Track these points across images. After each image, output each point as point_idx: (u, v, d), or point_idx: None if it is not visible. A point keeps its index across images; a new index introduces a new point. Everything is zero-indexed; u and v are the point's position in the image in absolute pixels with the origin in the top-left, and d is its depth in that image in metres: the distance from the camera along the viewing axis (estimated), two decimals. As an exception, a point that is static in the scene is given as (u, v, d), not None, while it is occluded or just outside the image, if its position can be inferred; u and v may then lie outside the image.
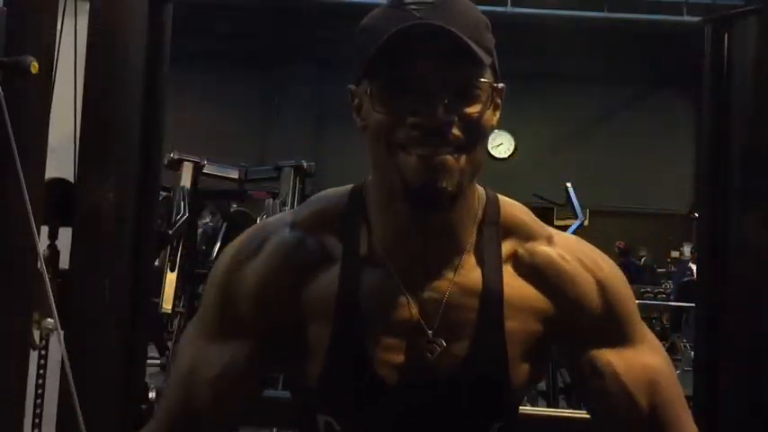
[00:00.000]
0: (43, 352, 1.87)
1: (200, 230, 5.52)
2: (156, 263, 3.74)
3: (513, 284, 1.05)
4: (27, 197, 1.27)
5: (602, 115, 12.34)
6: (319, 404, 1.07)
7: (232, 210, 5.68)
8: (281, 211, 4.24)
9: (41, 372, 1.87)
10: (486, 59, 0.96)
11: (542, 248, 1.08)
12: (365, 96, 1.00)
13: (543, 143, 12.10)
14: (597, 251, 1.12)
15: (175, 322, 4.26)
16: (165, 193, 4.08)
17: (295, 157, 5.04)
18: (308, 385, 1.06)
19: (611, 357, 1.06)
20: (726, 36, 1.97)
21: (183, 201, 4.14)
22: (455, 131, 0.95)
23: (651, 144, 12.06)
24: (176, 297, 4.06)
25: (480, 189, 1.09)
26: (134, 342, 1.94)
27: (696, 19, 2.16)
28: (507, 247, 1.07)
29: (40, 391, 1.87)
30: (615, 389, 1.05)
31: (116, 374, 1.88)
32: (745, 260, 1.89)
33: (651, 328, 1.14)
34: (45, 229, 1.85)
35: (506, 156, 11.73)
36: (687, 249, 11.38)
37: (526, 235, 1.09)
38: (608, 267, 1.10)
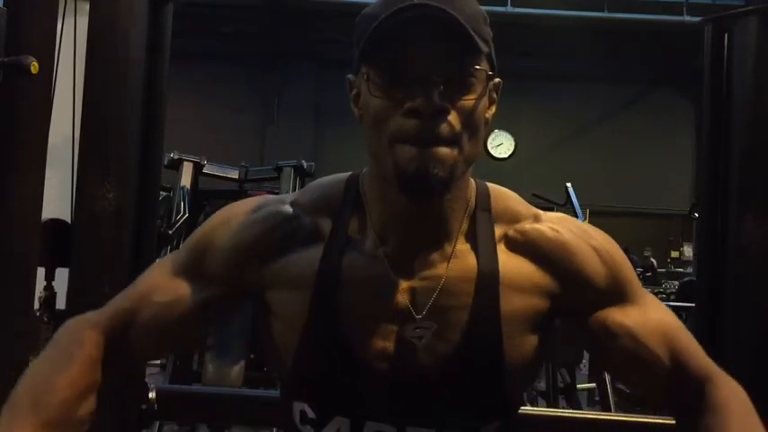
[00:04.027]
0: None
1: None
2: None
3: (510, 264, 1.05)
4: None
5: (602, 115, 12.32)
6: (294, 387, 1.05)
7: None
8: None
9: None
10: (484, 48, 0.96)
11: (531, 226, 1.08)
12: (363, 83, 0.99)
13: (543, 143, 12.09)
14: (585, 223, 1.14)
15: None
16: (165, 193, 4.08)
17: (295, 157, 5.04)
18: (285, 363, 1.05)
19: (621, 318, 1.06)
20: (726, 36, 1.97)
21: (183, 201, 4.14)
22: (450, 120, 0.95)
23: (651, 144, 12.04)
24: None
25: (472, 180, 1.10)
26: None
27: (696, 19, 2.16)
28: (498, 231, 1.08)
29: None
30: (633, 345, 1.05)
31: (116, 375, 1.88)
32: (745, 260, 1.89)
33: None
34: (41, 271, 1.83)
35: (506, 156, 11.71)
36: (687, 249, 11.36)
37: (514, 217, 1.09)
38: (599, 236, 1.11)
